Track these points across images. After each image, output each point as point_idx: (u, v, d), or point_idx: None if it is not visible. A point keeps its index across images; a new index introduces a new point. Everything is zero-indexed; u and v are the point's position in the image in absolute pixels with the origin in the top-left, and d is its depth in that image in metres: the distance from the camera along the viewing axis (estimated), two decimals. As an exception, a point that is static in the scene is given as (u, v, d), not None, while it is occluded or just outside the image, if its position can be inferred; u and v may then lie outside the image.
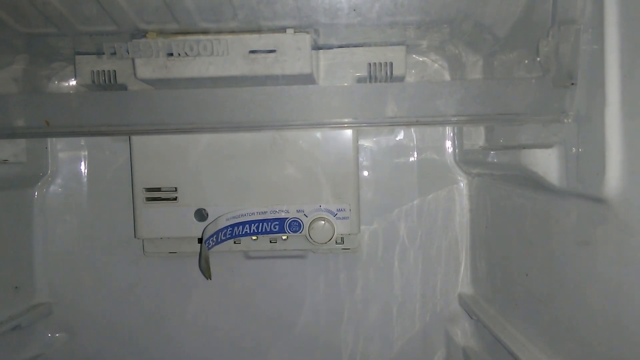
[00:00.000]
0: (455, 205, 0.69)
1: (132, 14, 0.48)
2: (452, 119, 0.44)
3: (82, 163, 0.69)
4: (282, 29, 0.48)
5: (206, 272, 0.57)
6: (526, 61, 0.46)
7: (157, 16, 0.48)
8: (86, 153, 0.69)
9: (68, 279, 0.70)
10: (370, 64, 0.55)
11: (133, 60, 0.50)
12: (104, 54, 0.50)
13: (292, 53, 0.48)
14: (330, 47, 0.55)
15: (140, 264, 0.69)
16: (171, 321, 0.71)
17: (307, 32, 0.48)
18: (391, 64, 0.55)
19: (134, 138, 0.60)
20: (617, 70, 0.34)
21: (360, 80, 0.56)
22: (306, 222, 0.58)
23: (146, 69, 0.50)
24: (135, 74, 0.51)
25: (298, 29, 0.48)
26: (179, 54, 0.49)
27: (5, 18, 0.49)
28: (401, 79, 0.57)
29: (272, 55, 0.48)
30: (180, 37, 0.49)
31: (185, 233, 0.60)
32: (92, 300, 0.70)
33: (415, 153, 0.69)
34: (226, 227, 0.57)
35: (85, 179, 0.69)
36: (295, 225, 0.58)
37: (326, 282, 0.70)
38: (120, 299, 0.70)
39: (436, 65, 0.66)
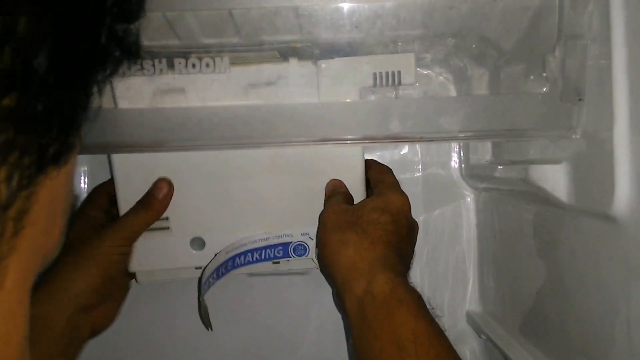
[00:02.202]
0: (462, 221, 0.67)
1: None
2: (458, 135, 0.43)
3: (82, 179, 0.68)
4: (284, 43, 0.48)
5: (206, 321, 0.53)
6: (532, 77, 0.45)
7: (158, 34, 0.48)
8: (86, 169, 0.68)
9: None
10: (375, 74, 0.49)
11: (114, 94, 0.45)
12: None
13: (296, 80, 0.46)
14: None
15: (136, 287, 0.60)
16: (170, 341, 0.69)
17: (312, 62, 0.46)
18: (399, 72, 0.48)
19: (115, 158, 0.52)
20: (625, 86, 0.34)
21: (364, 91, 0.52)
22: (312, 245, 0.53)
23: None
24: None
25: (301, 58, 0.47)
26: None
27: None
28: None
29: (273, 87, 0.46)
30: (171, 76, 0.45)
31: (182, 264, 0.54)
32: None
33: (421, 168, 0.68)
34: (227, 261, 0.52)
35: (84, 196, 0.68)
36: (301, 249, 0.54)
37: (331, 299, 0.69)
38: (116, 323, 0.62)
39: (441, 78, 0.65)
